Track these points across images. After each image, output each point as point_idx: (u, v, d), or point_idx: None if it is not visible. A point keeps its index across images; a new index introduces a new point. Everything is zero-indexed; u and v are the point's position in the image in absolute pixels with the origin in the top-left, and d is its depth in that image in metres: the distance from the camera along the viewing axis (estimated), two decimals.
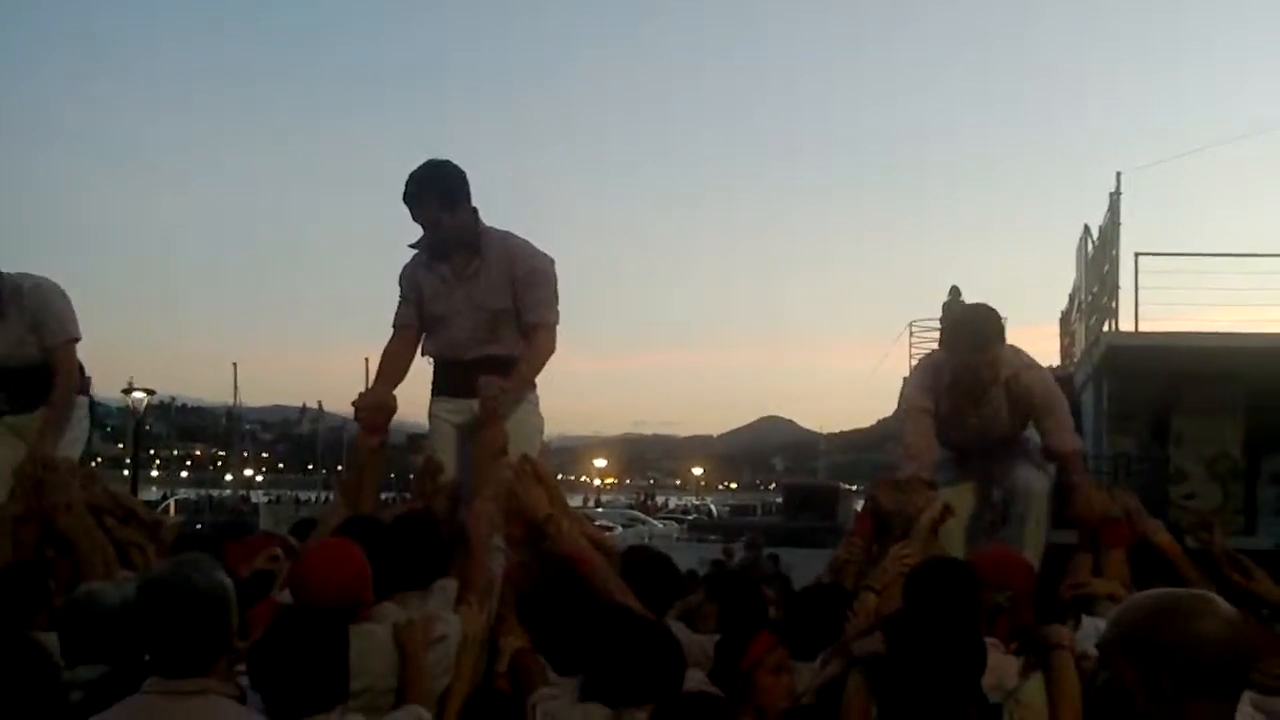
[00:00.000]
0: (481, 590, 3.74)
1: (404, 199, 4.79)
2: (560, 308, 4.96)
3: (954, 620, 3.23)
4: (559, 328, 4.95)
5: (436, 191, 4.76)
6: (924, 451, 5.31)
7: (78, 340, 5.60)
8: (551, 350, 4.94)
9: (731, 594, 4.27)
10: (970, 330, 5.25)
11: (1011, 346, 5.36)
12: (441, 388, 5.08)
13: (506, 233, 4.93)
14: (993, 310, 5.25)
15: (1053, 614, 3.74)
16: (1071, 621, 3.59)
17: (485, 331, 4.90)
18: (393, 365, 5.06)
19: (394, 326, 5.12)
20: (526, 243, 4.94)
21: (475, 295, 4.87)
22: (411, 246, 5.00)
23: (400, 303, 5.11)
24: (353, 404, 4.80)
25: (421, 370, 5.15)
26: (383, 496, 5.17)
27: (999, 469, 5.59)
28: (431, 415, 5.08)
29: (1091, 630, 3.55)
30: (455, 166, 4.85)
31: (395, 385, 5.03)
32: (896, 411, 5.79)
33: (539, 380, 5.01)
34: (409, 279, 5.07)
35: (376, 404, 4.81)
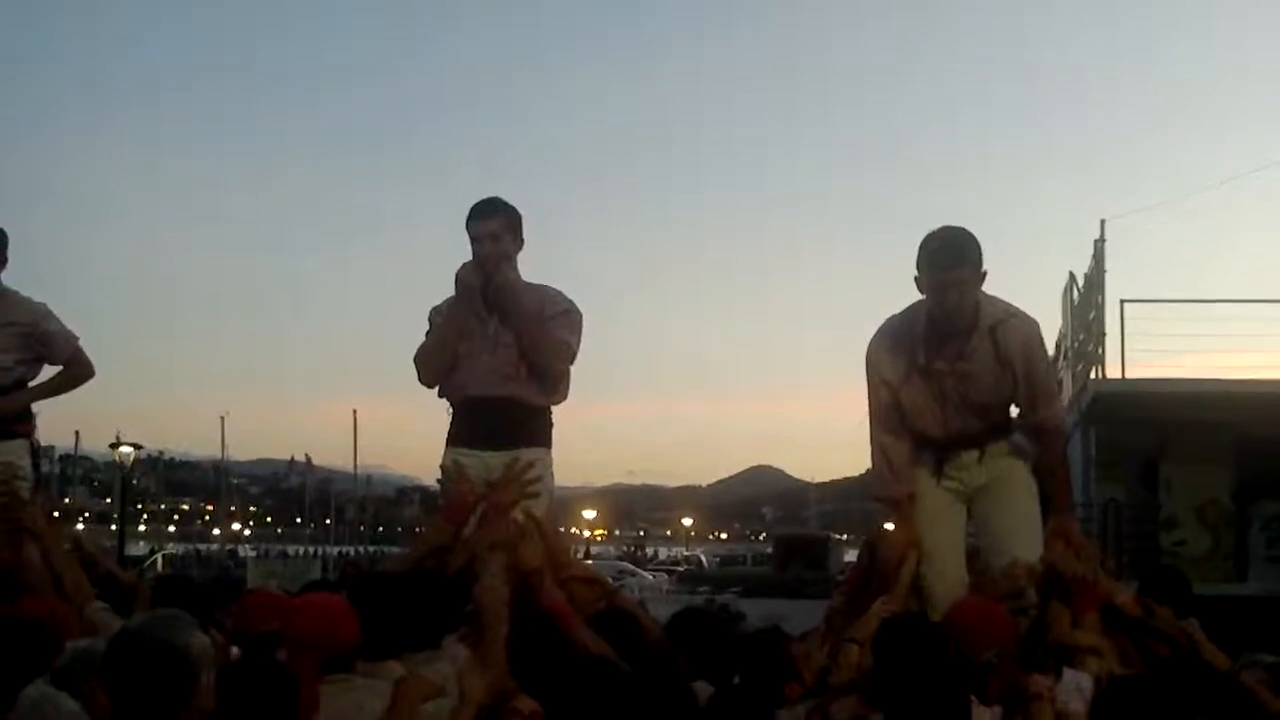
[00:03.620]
0: (491, 659, 3.74)
1: (473, 210, 4.93)
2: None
3: (931, 679, 3.21)
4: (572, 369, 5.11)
5: (509, 215, 4.94)
6: (903, 464, 4.63)
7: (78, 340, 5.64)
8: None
9: (697, 640, 4.15)
10: (946, 246, 4.30)
11: (990, 295, 4.45)
12: (459, 436, 5.07)
13: (541, 284, 5.08)
14: (969, 231, 4.37)
15: (1033, 665, 3.70)
16: (1052, 674, 3.56)
17: (511, 368, 4.93)
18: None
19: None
20: (560, 292, 5.09)
21: (504, 333, 4.93)
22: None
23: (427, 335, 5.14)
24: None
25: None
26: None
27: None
28: (446, 466, 5.00)
29: (1072, 683, 3.51)
30: None
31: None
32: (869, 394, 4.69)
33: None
34: (440, 313, 5.12)
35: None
